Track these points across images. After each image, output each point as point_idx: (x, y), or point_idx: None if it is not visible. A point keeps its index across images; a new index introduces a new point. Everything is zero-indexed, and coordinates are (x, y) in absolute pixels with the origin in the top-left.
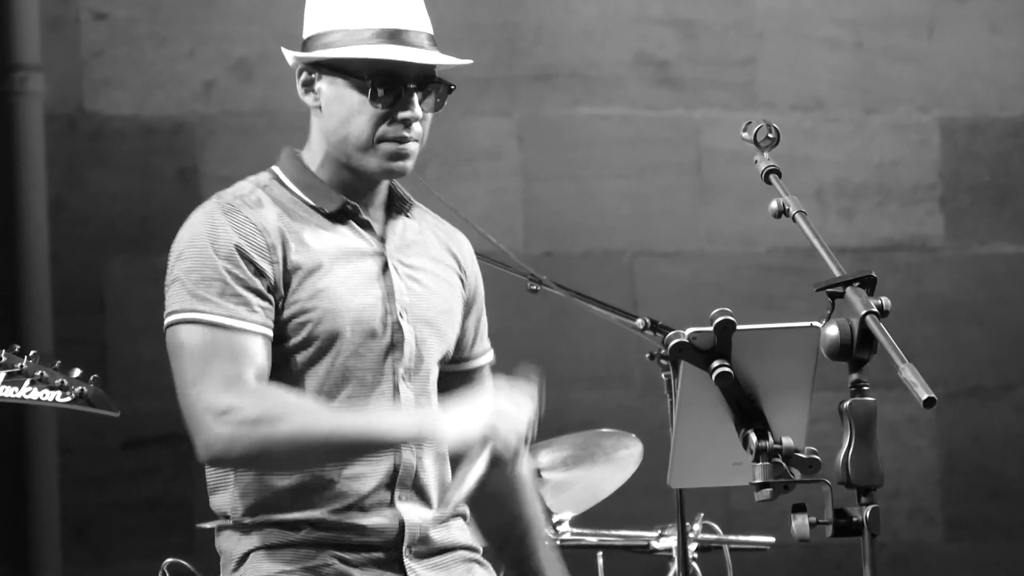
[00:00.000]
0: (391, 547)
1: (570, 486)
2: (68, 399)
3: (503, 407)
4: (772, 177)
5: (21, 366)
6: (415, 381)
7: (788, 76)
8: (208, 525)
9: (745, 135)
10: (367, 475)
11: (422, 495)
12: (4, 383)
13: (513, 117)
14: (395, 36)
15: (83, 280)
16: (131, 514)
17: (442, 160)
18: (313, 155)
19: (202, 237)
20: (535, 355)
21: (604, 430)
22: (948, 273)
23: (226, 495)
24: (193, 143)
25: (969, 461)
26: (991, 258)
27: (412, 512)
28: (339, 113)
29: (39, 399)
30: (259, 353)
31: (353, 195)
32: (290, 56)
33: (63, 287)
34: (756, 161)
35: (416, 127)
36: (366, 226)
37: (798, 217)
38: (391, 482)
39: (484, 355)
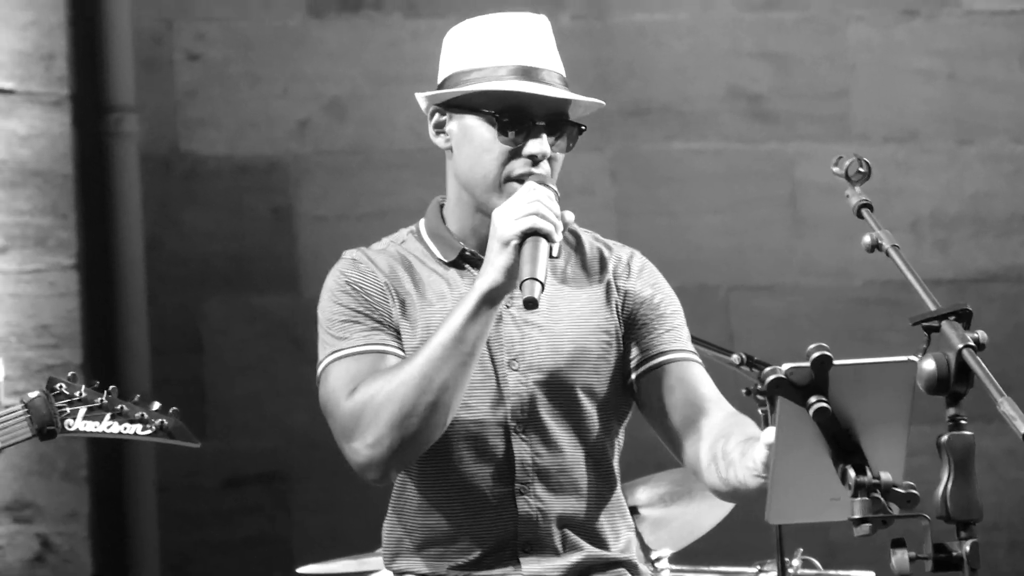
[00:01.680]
0: None
1: (668, 522)
2: (148, 432)
3: (514, 198)
4: (864, 211)
5: (101, 401)
6: (529, 431)
7: (881, 108)
8: (309, 569)
9: (836, 169)
10: (487, 535)
11: (547, 547)
12: (85, 418)
13: (606, 152)
14: (527, 73)
15: (180, 320)
16: (230, 554)
17: None
18: (448, 201)
19: (332, 280)
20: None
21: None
22: None
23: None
24: (287, 182)
25: None
26: None
27: (534, 565)
28: (467, 151)
29: (120, 432)
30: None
31: (483, 240)
32: (422, 99)
33: (160, 327)
34: (848, 196)
35: (544, 165)
36: None
37: (891, 251)
38: (512, 538)
39: (677, 345)
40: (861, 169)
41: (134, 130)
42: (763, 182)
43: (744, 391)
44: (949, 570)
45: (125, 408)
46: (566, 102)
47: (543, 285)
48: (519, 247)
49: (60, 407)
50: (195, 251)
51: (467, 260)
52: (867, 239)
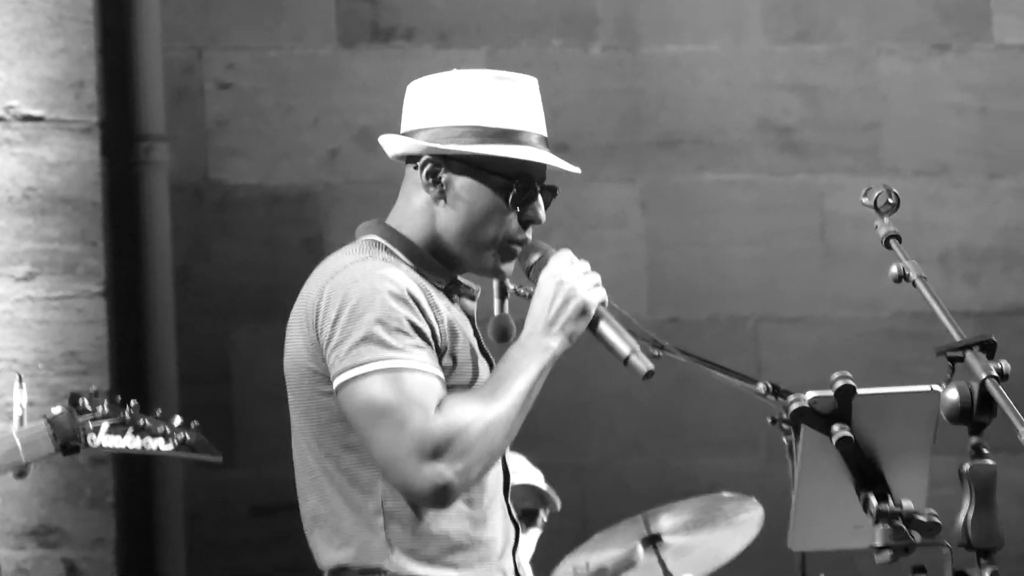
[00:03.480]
0: None
1: (692, 550)
2: (171, 447)
3: (575, 266)
4: (892, 242)
5: (123, 416)
6: None
7: (913, 141)
8: None
9: (865, 200)
10: (495, 539)
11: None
12: (108, 433)
13: (637, 184)
14: (544, 142)
15: (209, 348)
16: None
17: (567, 227)
18: (413, 238)
19: (377, 281)
20: (661, 420)
21: (725, 494)
22: None
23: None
24: (318, 212)
25: None
26: None
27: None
28: (466, 211)
29: (142, 448)
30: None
31: (453, 271)
32: (416, 145)
33: (189, 355)
34: (876, 226)
35: (529, 234)
36: (458, 295)
37: (918, 281)
38: (514, 548)
39: None
40: (890, 200)
41: (164, 159)
42: (794, 214)
43: (769, 420)
44: None
45: (147, 423)
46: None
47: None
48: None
49: (83, 422)
50: (225, 280)
51: (455, 289)
52: (894, 269)
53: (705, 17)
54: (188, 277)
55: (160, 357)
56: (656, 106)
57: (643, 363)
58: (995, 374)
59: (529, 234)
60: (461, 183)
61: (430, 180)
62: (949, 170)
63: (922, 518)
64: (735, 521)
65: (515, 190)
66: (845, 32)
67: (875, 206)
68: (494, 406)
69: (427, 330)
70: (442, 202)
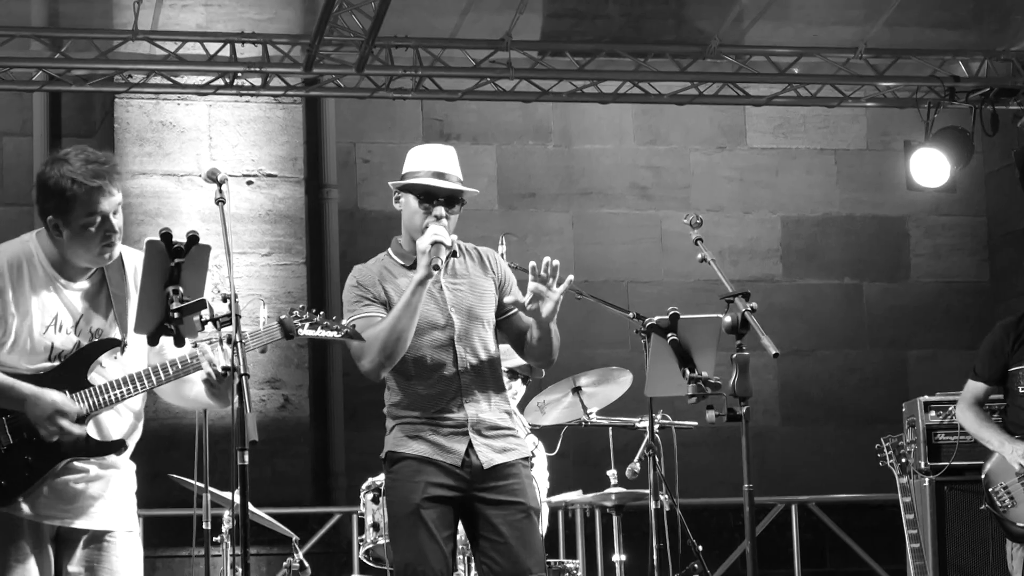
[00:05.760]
0: (463, 429)
1: (596, 394)
2: (335, 335)
3: (426, 231)
4: (699, 243)
5: (313, 320)
6: (463, 341)
7: (710, 193)
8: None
9: (685, 221)
10: (444, 393)
11: (480, 401)
12: (308, 329)
13: (569, 213)
14: (438, 175)
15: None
16: None
17: (534, 235)
18: (403, 237)
19: (345, 287)
20: (579, 332)
21: (614, 368)
22: None
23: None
24: None
25: (794, 387)
26: None
27: (473, 410)
28: (407, 213)
29: (323, 335)
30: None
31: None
32: (392, 185)
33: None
34: (692, 235)
35: (443, 221)
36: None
37: (711, 263)
38: (457, 395)
39: (511, 304)
40: (697, 221)
41: (335, 197)
42: (648, 230)
43: (635, 331)
44: (733, 421)
45: (326, 322)
46: (457, 192)
47: (443, 261)
48: (429, 251)
49: (294, 322)
50: (363, 257)
51: (413, 267)
52: (699, 256)
53: (604, 129)
54: (345, 256)
55: (331, 295)
56: (581, 173)
57: (436, 260)
58: (749, 308)
59: (439, 223)
60: (404, 200)
61: (395, 201)
62: (724, 208)
63: (712, 380)
64: (619, 381)
65: (420, 200)
66: (674, 138)
67: (690, 224)
68: (385, 322)
69: (368, 296)
70: (402, 212)
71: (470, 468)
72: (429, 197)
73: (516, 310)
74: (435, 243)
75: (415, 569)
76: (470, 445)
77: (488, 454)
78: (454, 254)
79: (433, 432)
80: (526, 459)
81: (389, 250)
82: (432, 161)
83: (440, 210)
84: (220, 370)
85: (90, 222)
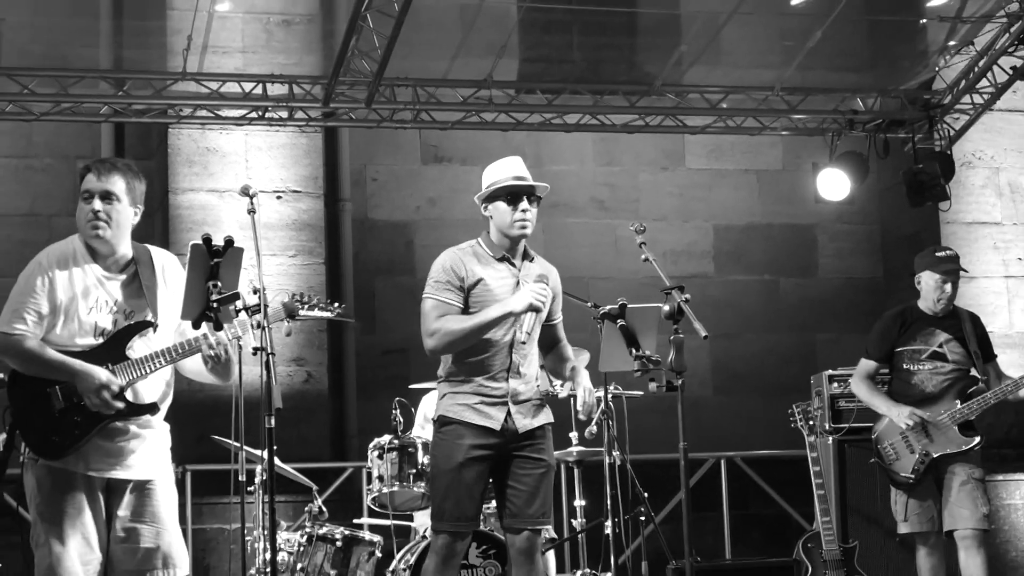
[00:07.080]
0: (504, 399)
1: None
2: (331, 315)
3: (529, 287)
4: (643, 246)
5: (314, 302)
6: (522, 329)
7: (648, 208)
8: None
9: (631, 228)
10: (494, 366)
11: (521, 377)
12: (308, 310)
13: (541, 223)
14: (519, 177)
15: (363, 286)
16: None
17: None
18: (491, 234)
19: (437, 264)
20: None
21: (578, 348)
22: None
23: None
24: (412, 233)
25: (724, 364)
26: None
27: (515, 383)
28: (498, 215)
29: (320, 315)
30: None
31: (508, 250)
32: (478, 198)
33: (357, 284)
34: (637, 240)
35: (529, 214)
36: (512, 264)
37: (652, 262)
38: (503, 370)
39: (558, 318)
40: (642, 228)
41: (349, 209)
42: (602, 236)
43: (592, 318)
44: (672, 391)
45: (323, 305)
46: (535, 186)
47: (530, 331)
48: (530, 304)
49: (295, 305)
50: (372, 257)
51: (505, 259)
52: (643, 256)
53: (568, 153)
54: (358, 258)
55: (344, 289)
56: (550, 190)
57: (528, 325)
58: (684, 299)
59: (528, 216)
60: (492, 206)
61: (484, 207)
62: (667, 218)
63: (653, 357)
64: (578, 359)
65: (508, 200)
66: (626, 161)
67: (636, 231)
68: (464, 324)
69: (454, 280)
70: (491, 218)
71: (507, 432)
72: (516, 197)
73: (556, 321)
74: (535, 310)
75: (451, 513)
76: (508, 413)
77: (522, 421)
78: (529, 257)
79: (479, 401)
80: (550, 423)
81: (479, 240)
82: (510, 169)
83: (525, 203)
84: (213, 354)
85: (82, 197)
